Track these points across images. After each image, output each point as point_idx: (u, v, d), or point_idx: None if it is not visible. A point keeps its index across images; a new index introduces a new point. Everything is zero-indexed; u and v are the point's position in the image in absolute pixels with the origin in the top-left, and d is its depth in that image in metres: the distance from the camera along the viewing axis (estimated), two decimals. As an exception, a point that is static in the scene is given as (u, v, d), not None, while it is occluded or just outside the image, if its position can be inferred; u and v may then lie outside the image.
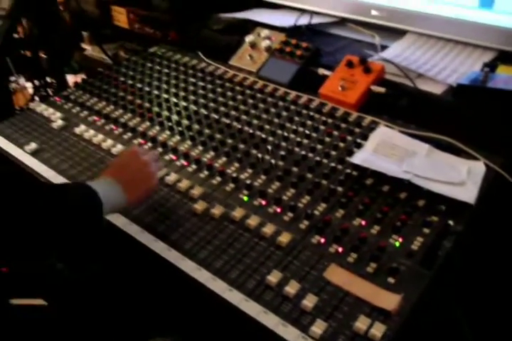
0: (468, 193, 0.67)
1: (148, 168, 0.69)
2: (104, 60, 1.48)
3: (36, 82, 1.29)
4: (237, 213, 0.68)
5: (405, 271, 0.60)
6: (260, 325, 0.55)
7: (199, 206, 0.70)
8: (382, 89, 0.87)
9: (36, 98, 1.32)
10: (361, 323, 0.53)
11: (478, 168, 0.73)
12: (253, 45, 1.03)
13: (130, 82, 1.04)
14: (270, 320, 0.55)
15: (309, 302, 0.56)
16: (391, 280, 0.59)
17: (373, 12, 1.10)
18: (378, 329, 0.53)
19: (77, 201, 0.59)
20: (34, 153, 0.85)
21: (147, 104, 0.95)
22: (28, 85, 1.43)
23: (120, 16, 1.36)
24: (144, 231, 0.68)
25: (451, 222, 0.64)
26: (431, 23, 1.02)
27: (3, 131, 0.92)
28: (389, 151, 0.77)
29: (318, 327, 0.53)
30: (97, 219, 0.61)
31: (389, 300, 0.56)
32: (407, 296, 0.56)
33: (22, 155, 0.85)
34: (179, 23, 1.22)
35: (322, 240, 0.64)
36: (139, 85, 1.02)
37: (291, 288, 0.58)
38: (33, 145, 0.85)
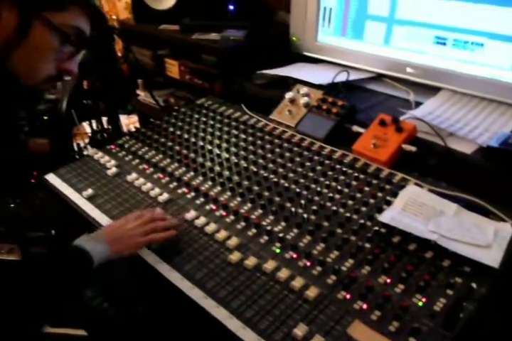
0: (493, 256, 0.70)
1: (133, 232, 0.79)
2: (154, 104, 1.61)
3: (94, 127, 1.42)
4: (269, 265, 0.74)
5: (427, 331, 0.62)
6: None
7: (234, 256, 0.76)
8: (413, 148, 0.91)
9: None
10: (381, 382, 0.56)
11: (505, 230, 0.75)
12: (292, 101, 1.11)
13: (178, 132, 1.13)
14: (294, 374, 0.59)
15: (332, 357, 0.60)
16: (412, 340, 0.61)
17: (408, 69, 1.16)
18: (397, 390, 0.55)
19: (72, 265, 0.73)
20: (90, 198, 0.94)
21: (192, 155, 1.04)
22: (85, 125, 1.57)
23: (172, 68, 1.49)
24: (183, 279, 0.74)
25: (474, 285, 0.66)
26: (465, 81, 1.07)
27: (64, 176, 1.02)
28: (417, 210, 0.81)
29: (339, 384, 0.57)
30: (87, 270, 0.73)
31: (409, 361, 0.58)
32: (427, 358, 0.58)
33: (79, 200, 0.94)
34: (225, 77, 1.33)
35: (348, 296, 0.68)
36: (185, 136, 1.11)
37: (316, 343, 0.61)
38: (89, 191, 0.95)
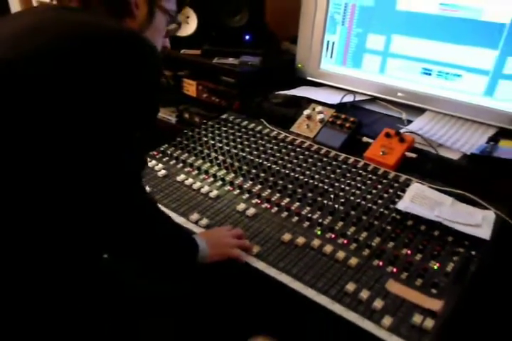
0: (484, 232, 0.93)
1: (229, 241, 0.92)
2: (168, 120, 1.79)
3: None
4: (316, 242, 0.93)
5: (443, 285, 0.84)
6: (344, 320, 0.78)
7: (286, 237, 0.95)
8: (413, 155, 1.15)
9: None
10: (417, 319, 0.77)
11: (489, 216, 0.99)
12: (309, 117, 1.33)
13: (212, 141, 1.32)
14: (351, 317, 0.78)
15: (378, 304, 0.79)
16: (434, 291, 0.82)
17: (399, 94, 1.41)
18: (429, 323, 0.76)
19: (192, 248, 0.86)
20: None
21: (229, 160, 1.22)
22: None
23: (190, 87, 1.68)
24: (247, 255, 0.92)
25: (473, 252, 0.89)
26: (446, 104, 1.33)
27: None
28: (422, 201, 1.03)
29: (387, 320, 0.77)
30: (192, 261, 0.87)
31: (434, 304, 0.79)
32: (447, 302, 0.80)
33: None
34: (242, 96, 1.53)
35: (380, 263, 0.89)
36: (219, 144, 1.30)
37: (364, 294, 0.81)
38: (146, 188, 1.11)
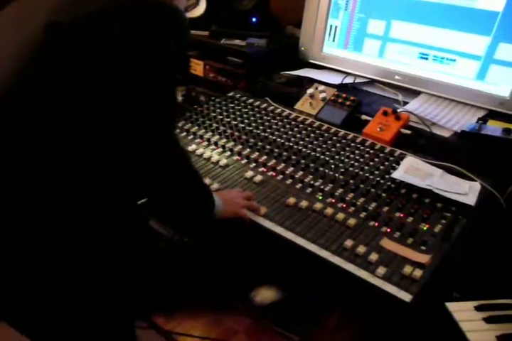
0: (470, 199, 1.03)
1: (239, 201, 1.02)
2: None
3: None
4: (318, 206, 1.03)
5: (431, 243, 0.93)
6: (342, 269, 0.88)
7: (290, 200, 1.04)
8: (408, 131, 1.24)
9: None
10: (407, 269, 0.86)
11: (475, 186, 1.09)
12: (312, 96, 1.42)
13: (220, 116, 1.40)
14: (350, 268, 0.88)
15: (374, 257, 0.89)
16: (423, 248, 0.92)
17: (396, 77, 1.50)
18: (418, 273, 0.86)
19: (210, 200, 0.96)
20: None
21: (237, 133, 1.31)
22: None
23: (197, 67, 1.75)
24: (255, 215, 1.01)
25: (459, 216, 0.99)
26: (440, 87, 1.42)
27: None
28: (415, 172, 1.13)
29: (381, 270, 0.86)
30: (210, 211, 0.96)
31: (423, 258, 0.89)
32: (434, 256, 0.90)
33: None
34: (248, 76, 1.61)
35: (376, 224, 0.98)
36: (227, 119, 1.38)
37: (361, 249, 0.91)
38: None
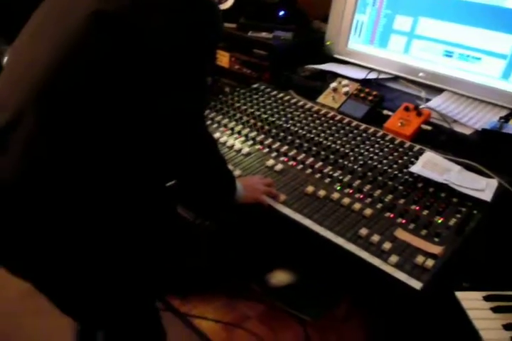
0: (486, 195, 1.04)
1: (260, 187, 1.06)
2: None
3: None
4: (335, 195, 1.06)
5: (445, 236, 0.96)
6: (357, 257, 0.91)
7: (309, 189, 1.08)
8: (428, 127, 1.26)
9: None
10: (420, 259, 0.89)
11: (492, 183, 1.10)
12: (335, 90, 1.44)
13: (243, 107, 1.44)
14: (363, 255, 0.91)
15: (387, 245, 0.92)
16: (436, 239, 0.95)
17: (420, 74, 1.51)
18: (430, 262, 0.88)
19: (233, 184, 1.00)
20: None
21: (260, 123, 1.35)
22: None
23: (223, 58, 1.79)
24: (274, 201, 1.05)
25: (475, 211, 1.01)
26: (463, 85, 1.43)
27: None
28: (433, 167, 1.15)
29: (393, 258, 0.89)
30: (231, 195, 1.00)
31: (436, 249, 0.92)
32: (447, 248, 0.92)
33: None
34: (273, 68, 1.64)
35: (391, 215, 1.01)
36: (250, 110, 1.42)
37: (375, 238, 0.94)
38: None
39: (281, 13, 1.70)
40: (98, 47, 0.73)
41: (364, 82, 1.46)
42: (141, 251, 0.89)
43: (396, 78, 1.58)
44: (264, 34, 1.67)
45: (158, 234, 0.91)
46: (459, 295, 0.81)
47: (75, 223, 0.78)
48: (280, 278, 1.04)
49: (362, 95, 1.39)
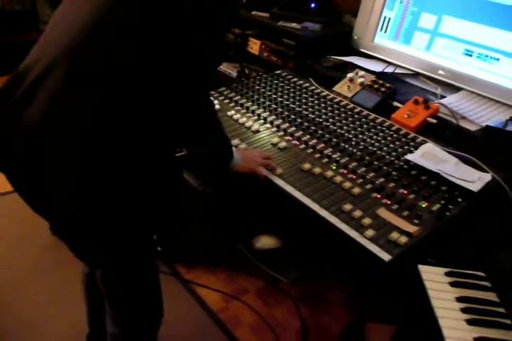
0: (474, 187, 1.08)
1: (257, 159, 1.13)
2: (230, 74, 2.00)
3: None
4: (329, 173, 1.12)
5: (426, 219, 1.01)
6: (337, 229, 0.98)
7: (306, 166, 1.15)
8: (434, 121, 1.30)
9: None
10: (394, 235, 0.95)
11: (485, 177, 1.14)
12: (351, 80, 1.50)
13: (263, 90, 1.52)
14: (343, 227, 0.98)
15: (367, 221, 0.98)
16: (416, 221, 1.00)
17: (440, 71, 1.54)
18: (403, 239, 0.94)
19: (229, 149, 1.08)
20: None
21: (274, 105, 1.43)
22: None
23: (254, 45, 1.88)
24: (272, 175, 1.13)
25: (459, 199, 1.05)
26: (481, 85, 1.45)
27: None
28: (431, 158, 1.19)
29: (370, 232, 0.95)
30: (226, 163, 1.08)
31: (412, 228, 0.97)
32: (423, 230, 0.97)
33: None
34: (298, 57, 1.71)
35: (378, 196, 1.07)
36: (269, 93, 1.50)
37: (357, 213, 1.00)
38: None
39: (313, 5, 1.77)
40: (130, 9, 0.81)
41: (380, 75, 1.51)
42: (148, 199, 0.94)
43: (415, 74, 1.62)
44: (294, 24, 1.75)
45: (165, 186, 0.98)
46: (422, 268, 0.86)
47: (91, 156, 0.83)
48: (265, 242, 1.12)
49: (375, 86, 1.44)
